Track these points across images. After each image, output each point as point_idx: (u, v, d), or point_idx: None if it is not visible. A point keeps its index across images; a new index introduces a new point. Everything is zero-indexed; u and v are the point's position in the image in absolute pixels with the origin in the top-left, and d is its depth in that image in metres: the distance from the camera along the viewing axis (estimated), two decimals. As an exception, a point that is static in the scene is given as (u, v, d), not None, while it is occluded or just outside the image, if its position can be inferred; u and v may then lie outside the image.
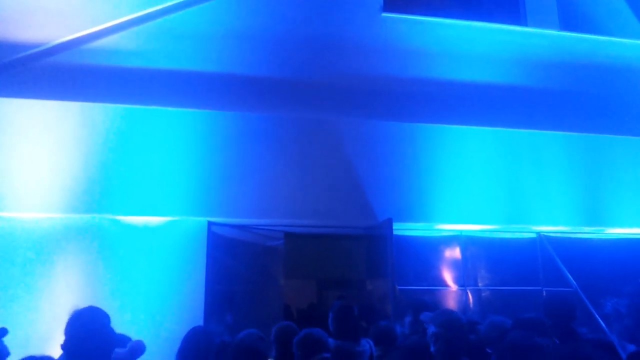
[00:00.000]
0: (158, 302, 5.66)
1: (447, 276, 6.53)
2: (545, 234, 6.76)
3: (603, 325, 6.15)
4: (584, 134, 6.93)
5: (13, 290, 5.40)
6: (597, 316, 6.24)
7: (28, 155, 5.70)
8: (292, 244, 6.67)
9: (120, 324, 3.91)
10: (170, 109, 6.07)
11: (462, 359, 3.31)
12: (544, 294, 6.42)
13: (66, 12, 6.15)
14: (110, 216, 5.77)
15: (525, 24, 7.31)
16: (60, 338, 2.92)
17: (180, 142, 6.05)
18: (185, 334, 3.82)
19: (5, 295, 5.38)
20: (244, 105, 6.24)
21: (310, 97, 6.39)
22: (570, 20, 7.44)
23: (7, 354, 3.17)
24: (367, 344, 4.02)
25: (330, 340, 3.81)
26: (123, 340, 3.60)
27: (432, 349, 3.46)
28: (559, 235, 6.79)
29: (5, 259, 5.48)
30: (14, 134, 5.72)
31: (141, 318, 5.54)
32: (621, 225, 6.86)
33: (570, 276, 6.48)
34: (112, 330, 3.06)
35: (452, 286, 6.50)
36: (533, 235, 6.78)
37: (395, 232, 5.97)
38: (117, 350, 3.09)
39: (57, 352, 2.99)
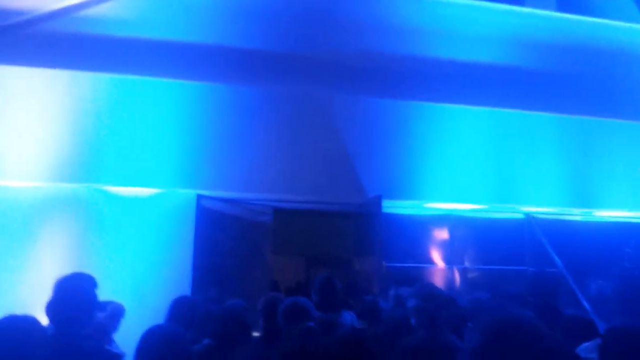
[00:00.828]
0: (145, 274, 5.66)
1: (435, 254, 6.57)
2: (534, 214, 6.79)
3: (587, 306, 6.21)
4: (575, 116, 6.93)
5: (-1, 258, 5.40)
6: (581, 298, 6.30)
7: (15, 123, 5.64)
8: (281, 219, 6.67)
9: (106, 295, 3.92)
10: (161, 79, 6.00)
11: (442, 330, 3.33)
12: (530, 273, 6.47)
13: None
14: (98, 186, 5.75)
15: (522, 4, 7.26)
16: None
17: (170, 113, 5.99)
18: (171, 302, 3.85)
19: (-10, 261, 5.37)
20: (235, 78, 6.18)
21: (303, 72, 6.33)
22: (567, 2, 7.40)
23: None
24: (348, 316, 4.06)
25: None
26: (106, 305, 3.62)
27: (412, 321, 3.48)
28: (547, 216, 6.82)
29: (-8, 226, 5.47)
30: (2, 102, 5.66)
31: (128, 289, 5.52)
32: (609, 208, 6.89)
33: (556, 257, 6.52)
34: (95, 296, 3.06)
35: (440, 264, 6.54)
36: (521, 215, 6.82)
37: (384, 210, 5.99)
38: (97, 314, 3.09)
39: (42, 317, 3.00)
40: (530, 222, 6.76)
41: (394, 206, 6.37)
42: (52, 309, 2.80)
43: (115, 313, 3.65)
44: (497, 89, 6.71)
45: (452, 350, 3.22)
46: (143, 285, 5.59)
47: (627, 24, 7.37)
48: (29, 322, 2.33)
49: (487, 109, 6.72)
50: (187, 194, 5.90)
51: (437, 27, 6.84)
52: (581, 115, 6.92)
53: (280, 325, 3.48)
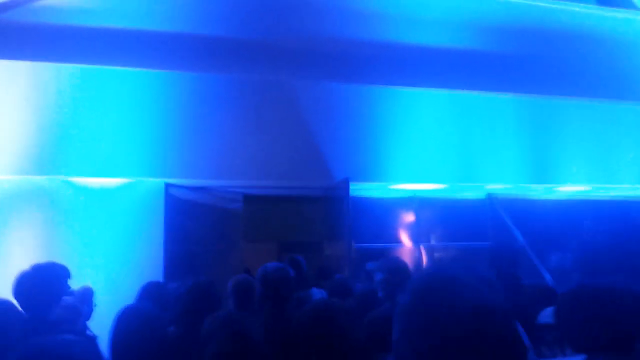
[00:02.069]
0: (116, 266, 5.65)
1: (402, 234, 6.73)
2: (495, 192, 7.00)
3: (548, 278, 6.44)
4: (533, 95, 7.14)
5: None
6: (542, 270, 6.54)
7: (-23, 116, 5.56)
8: (251, 206, 6.72)
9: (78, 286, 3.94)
10: (125, 69, 5.96)
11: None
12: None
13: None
14: (64, 178, 5.70)
15: (480, -12, 7.42)
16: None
17: (136, 102, 5.96)
18: (140, 287, 3.89)
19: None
20: (201, 66, 6.19)
21: (268, 59, 6.37)
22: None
23: None
24: (319, 293, 4.16)
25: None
26: (74, 291, 3.64)
27: (380, 294, 3.59)
28: (508, 194, 7.05)
29: (-43, 221, 5.39)
30: (-38, 95, 5.56)
31: (99, 281, 5.51)
32: (568, 183, 7.15)
33: (518, 232, 6.75)
34: (62, 281, 3.08)
35: (407, 243, 6.71)
36: (483, 194, 7.03)
37: (351, 193, 6.10)
38: (65, 297, 3.12)
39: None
40: (492, 200, 6.98)
41: (360, 189, 6.49)
42: (17, 292, 2.83)
43: (85, 295, 3.69)
44: (457, 72, 6.87)
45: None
46: (114, 276, 5.58)
47: (580, 6, 7.61)
48: (3, 304, 2.37)
49: (448, 91, 6.88)
50: (155, 183, 5.90)
51: (398, 12, 6.96)
52: (538, 95, 7.14)
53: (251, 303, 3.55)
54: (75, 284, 3.65)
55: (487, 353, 1.06)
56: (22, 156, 5.58)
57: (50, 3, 5.93)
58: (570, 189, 7.24)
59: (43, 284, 2.81)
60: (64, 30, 5.90)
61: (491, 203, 6.97)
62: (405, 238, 6.73)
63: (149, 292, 3.76)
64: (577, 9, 7.52)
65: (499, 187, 7.01)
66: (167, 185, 5.94)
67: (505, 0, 7.31)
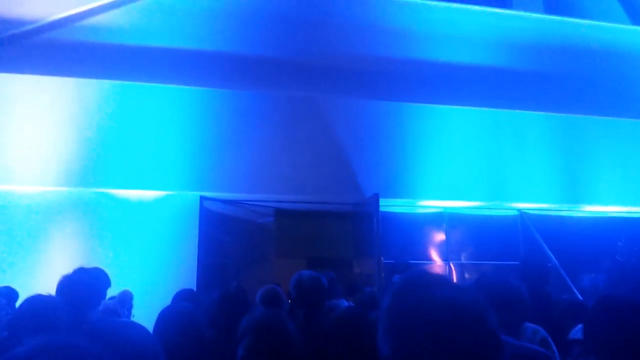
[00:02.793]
0: (152, 275, 5.81)
1: (432, 251, 6.73)
2: (526, 211, 6.94)
3: (581, 299, 6.34)
4: (565, 114, 7.11)
5: (10, 259, 5.56)
6: (575, 290, 6.43)
7: (23, 130, 5.84)
8: (283, 221, 6.80)
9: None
10: (165, 85, 6.21)
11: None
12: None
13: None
14: (104, 190, 5.93)
15: (511, 7, 7.47)
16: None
17: (174, 118, 6.20)
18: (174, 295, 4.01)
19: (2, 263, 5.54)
20: (237, 83, 6.39)
21: (302, 76, 6.53)
22: (554, 3, 7.60)
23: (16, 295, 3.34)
24: (345, 303, 4.22)
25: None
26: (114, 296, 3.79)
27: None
28: (539, 212, 6.98)
29: (2, 230, 5.63)
30: (11, 109, 5.86)
31: (135, 290, 5.65)
32: (599, 203, 7.06)
33: (550, 252, 6.66)
34: (102, 284, 3.21)
35: (437, 260, 6.69)
36: (515, 212, 6.97)
37: (381, 209, 6.16)
38: (105, 301, 3.25)
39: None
40: (523, 219, 6.91)
41: (390, 205, 6.54)
42: (59, 293, 2.96)
43: (125, 298, 3.84)
44: (488, 90, 6.90)
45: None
46: (150, 286, 5.69)
47: (613, 24, 7.57)
48: (52, 300, 2.51)
49: (479, 109, 6.90)
50: (191, 196, 6.08)
51: (429, 31, 7.05)
52: (570, 114, 7.10)
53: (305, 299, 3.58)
54: (113, 292, 3.80)
55: (461, 350, 1.07)
56: (65, 169, 5.84)
57: (94, 23, 6.24)
58: (604, 209, 7.14)
59: (83, 285, 2.93)
60: (105, 49, 6.18)
61: (523, 221, 6.91)
62: (434, 254, 6.73)
63: (183, 298, 3.88)
64: (611, 27, 7.48)
65: (530, 207, 6.96)
66: (202, 198, 6.10)
67: (538, 18, 7.34)
